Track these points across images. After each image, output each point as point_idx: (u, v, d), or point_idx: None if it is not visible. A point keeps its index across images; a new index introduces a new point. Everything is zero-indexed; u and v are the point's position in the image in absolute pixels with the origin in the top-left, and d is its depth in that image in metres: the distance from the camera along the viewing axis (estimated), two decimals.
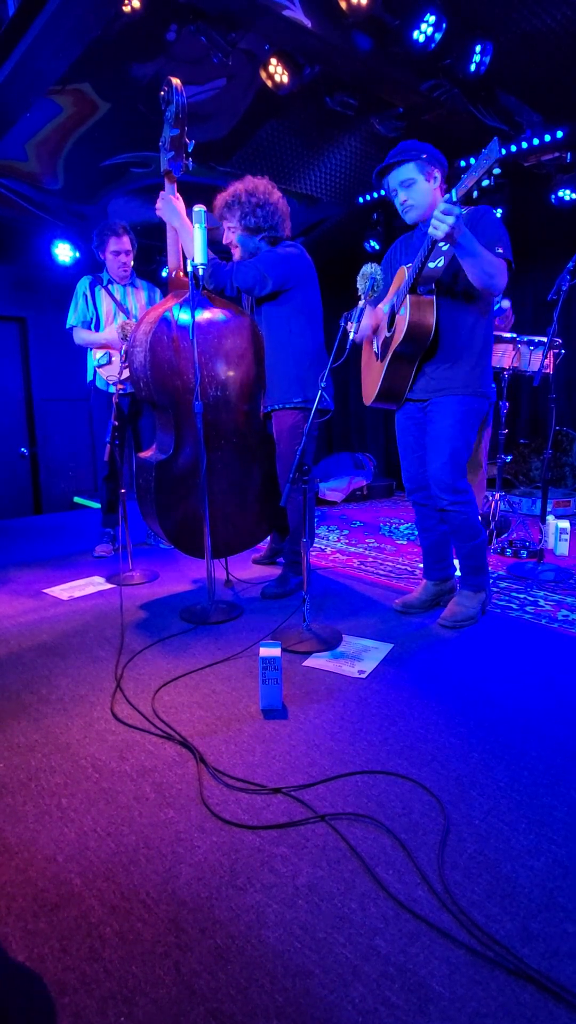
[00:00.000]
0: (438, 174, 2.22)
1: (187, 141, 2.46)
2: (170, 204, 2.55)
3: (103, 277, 3.45)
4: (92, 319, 3.42)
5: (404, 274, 2.26)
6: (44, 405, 5.59)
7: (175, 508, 2.63)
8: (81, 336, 3.45)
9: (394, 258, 2.42)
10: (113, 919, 1.06)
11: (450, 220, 1.87)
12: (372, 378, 2.44)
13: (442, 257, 2.15)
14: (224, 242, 2.72)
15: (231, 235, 2.68)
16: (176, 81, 2.37)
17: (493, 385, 2.29)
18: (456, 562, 2.51)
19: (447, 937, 1.00)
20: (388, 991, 0.92)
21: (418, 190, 2.20)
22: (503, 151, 1.73)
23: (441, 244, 2.01)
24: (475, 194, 1.85)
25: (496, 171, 1.79)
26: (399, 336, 2.18)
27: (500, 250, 2.06)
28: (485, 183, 1.83)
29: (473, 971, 0.94)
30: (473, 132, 3.80)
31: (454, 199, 1.86)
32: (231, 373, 2.67)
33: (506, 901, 1.07)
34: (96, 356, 3.43)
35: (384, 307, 2.35)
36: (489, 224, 2.12)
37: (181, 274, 2.67)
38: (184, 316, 2.53)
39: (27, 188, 4.34)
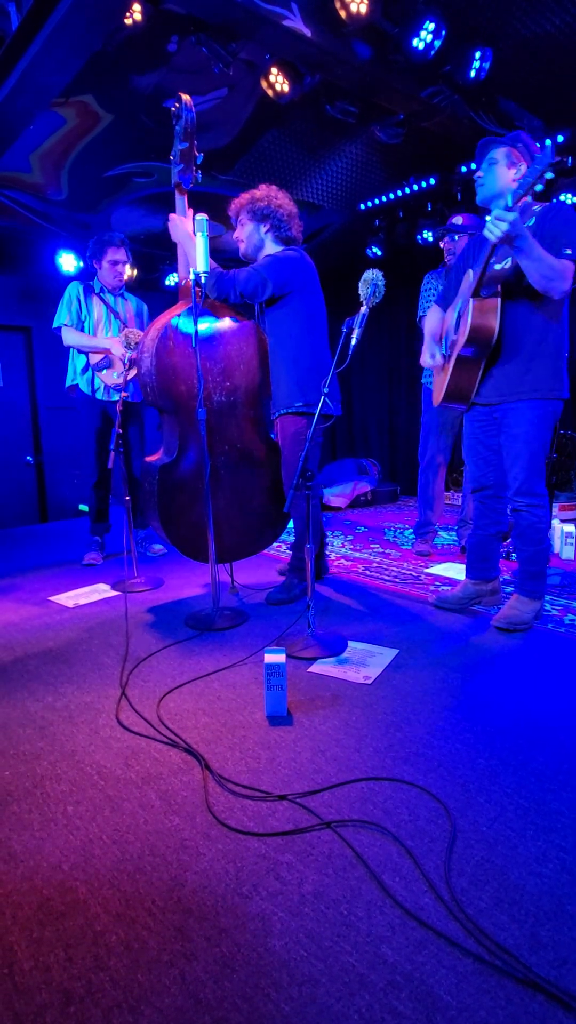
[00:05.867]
0: (523, 167, 2.19)
1: (196, 154, 2.52)
2: (177, 226, 2.60)
3: (95, 285, 3.46)
4: (85, 320, 3.41)
5: (470, 277, 2.27)
6: (49, 414, 5.61)
7: (178, 512, 2.63)
8: (73, 337, 3.38)
9: (464, 262, 2.42)
10: (119, 927, 1.05)
11: (503, 225, 1.91)
12: (440, 380, 2.47)
13: (509, 258, 2.14)
14: (234, 236, 2.75)
15: (239, 230, 2.72)
16: (186, 97, 2.46)
17: (566, 381, 2.28)
18: (505, 564, 2.52)
19: (454, 945, 0.99)
20: (395, 1000, 0.91)
21: (494, 173, 2.20)
22: (555, 157, 1.82)
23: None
24: (529, 197, 1.96)
25: (549, 175, 1.89)
26: (462, 339, 2.23)
27: (568, 251, 2.01)
28: (539, 188, 1.91)
29: (481, 980, 0.93)
30: (473, 138, 3.76)
31: (509, 204, 1.91)
32: (235, 379, 2.68)
33: (514, 909, 1.06)
34: (94, 360, 3.42)
35: (453, 311, 2.39)
36: (561, 221, 2.07)
37: (190, 283, 2.69)
38: (188, 323, 2.55)
39: (31, 199, 4.38)
